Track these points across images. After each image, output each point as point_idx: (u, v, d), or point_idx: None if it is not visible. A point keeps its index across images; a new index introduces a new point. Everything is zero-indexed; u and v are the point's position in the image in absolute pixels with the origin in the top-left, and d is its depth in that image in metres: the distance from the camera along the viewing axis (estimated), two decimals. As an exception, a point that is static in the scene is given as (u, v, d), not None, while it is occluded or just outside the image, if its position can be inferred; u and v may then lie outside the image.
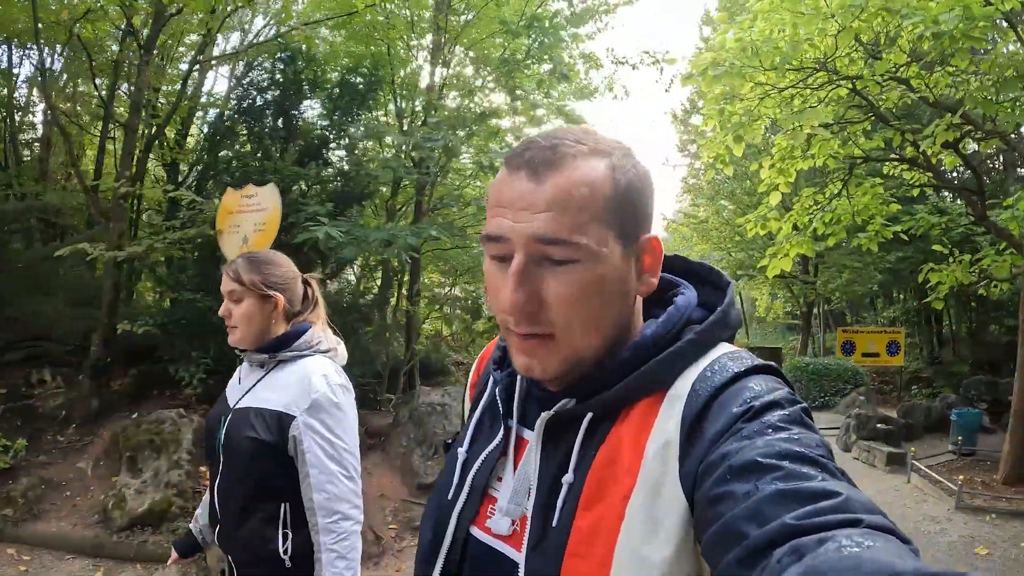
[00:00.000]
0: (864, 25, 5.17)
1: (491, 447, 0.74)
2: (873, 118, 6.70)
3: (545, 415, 0.68)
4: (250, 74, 7.51)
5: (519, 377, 0.75)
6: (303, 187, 6.70)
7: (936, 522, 5.59)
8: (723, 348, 0.68)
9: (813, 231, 7.55)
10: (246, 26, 9.05)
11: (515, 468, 0.71)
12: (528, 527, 0.66)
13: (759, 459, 0.53)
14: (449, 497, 0.75)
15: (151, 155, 7.10)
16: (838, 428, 9.39)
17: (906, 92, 6.23)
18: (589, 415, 0.66)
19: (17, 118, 8.41)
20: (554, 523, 0.64)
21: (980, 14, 4.34)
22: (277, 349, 1.58)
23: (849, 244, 9.65)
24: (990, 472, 6.92)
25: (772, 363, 0.66)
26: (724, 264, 15.47)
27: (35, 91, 8.51)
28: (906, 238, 8.91)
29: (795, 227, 7.69)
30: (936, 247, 7.94)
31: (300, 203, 5.86)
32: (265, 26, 8.95)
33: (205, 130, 8.39)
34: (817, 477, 0.51)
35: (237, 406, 1.58)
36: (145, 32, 6.10)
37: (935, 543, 5.06)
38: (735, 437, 0.56)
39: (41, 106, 8.50)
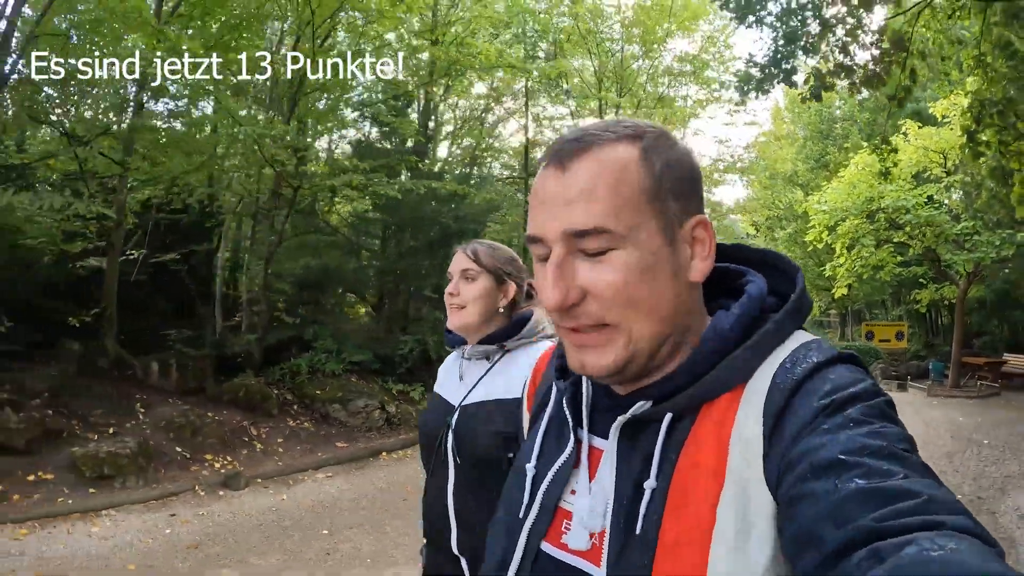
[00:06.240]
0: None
1: (562, 459, 0.71)
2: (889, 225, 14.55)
3: (621, 419, 0.65)
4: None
5: (584, 385, 0.73)
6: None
7: (918, 399, 13.68)
8: (800, 337, 0.64)
9: (856, 271, 15.42)
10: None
11: (591, 479, 0.68)
12: (607, 539, 0.62)
13: (841, 456, 0.50)
14: (520, 515, 0.72)
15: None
16: (868, 382, 17.31)
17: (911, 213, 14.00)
18: (669, 415, 0.63)
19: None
20: (637, 532, 0.60)
21: (939, 211, 12.23)
22: (506, 338, 1.51)
23: (874, 275, 17.47)
24: (946, 387, 14.75)
25: (853, 352, 0.63)
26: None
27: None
28: (907, 272, 16.71)
29: (847, 270, 15.54)
30: (921, 280, 15.87)
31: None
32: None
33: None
34: (899, 475, 0.48)
35: (465, 403, 1.50)
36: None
37: (920, 406, 12.80)
38: (816, 432, 0.54)
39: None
